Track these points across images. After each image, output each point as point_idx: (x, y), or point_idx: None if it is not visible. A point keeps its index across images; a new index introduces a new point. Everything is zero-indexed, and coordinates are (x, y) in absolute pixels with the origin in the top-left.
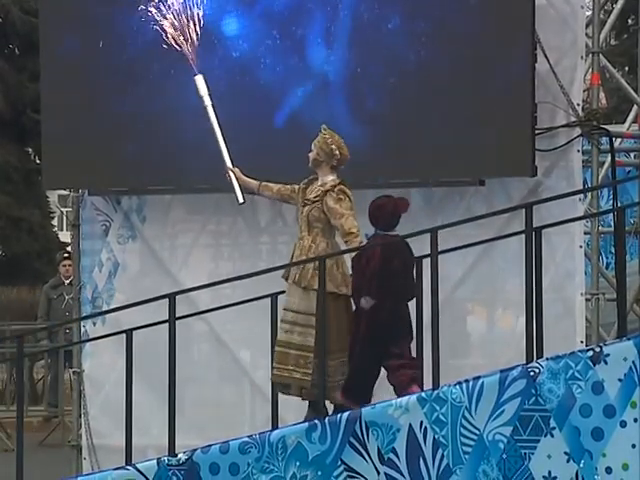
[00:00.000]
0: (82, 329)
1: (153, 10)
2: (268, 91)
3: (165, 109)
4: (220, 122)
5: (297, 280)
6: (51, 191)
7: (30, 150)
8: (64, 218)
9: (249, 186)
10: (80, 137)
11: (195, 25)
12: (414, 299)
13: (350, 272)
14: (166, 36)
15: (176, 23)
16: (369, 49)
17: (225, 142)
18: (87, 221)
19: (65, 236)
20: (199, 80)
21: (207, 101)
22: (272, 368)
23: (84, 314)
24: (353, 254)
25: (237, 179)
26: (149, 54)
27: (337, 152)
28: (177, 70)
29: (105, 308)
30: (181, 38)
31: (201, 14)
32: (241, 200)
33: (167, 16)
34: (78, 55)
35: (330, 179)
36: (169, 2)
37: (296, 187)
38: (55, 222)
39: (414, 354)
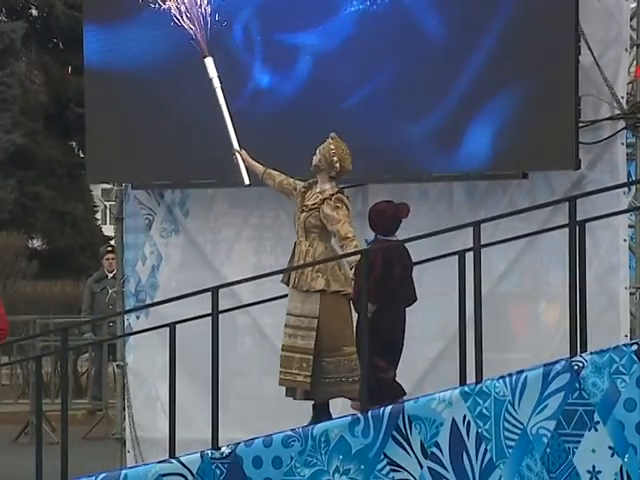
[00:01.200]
0: (126, 322)
1: None
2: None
3: (208, 103)
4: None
5: (297, 284)
6: (95, 185)
7: (74, 144)
8: (107, 212)
9: (255, 170)
10: (123, 131)
11: (204, 8)
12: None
13: (352, 276)
14: (177, 19)
15: (186, 6)
16: (414, 44)
17: (233, 124)
18: (130, 215)
19: (108, 230)
20: (209, 62)
21: (216, 83)
22: (279, 372)
23: (127, 307)
24: (355, 260)
25: (244, 161)
26: (194, 48)
27: (337, 165)
28: (220, 64)
29: (148, 301)
30: (191, 21)
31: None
32: (247, 182)
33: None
34: (121, 49)
35: (328, 187)
36: None
37: (298, 186)
38: (99, 216)
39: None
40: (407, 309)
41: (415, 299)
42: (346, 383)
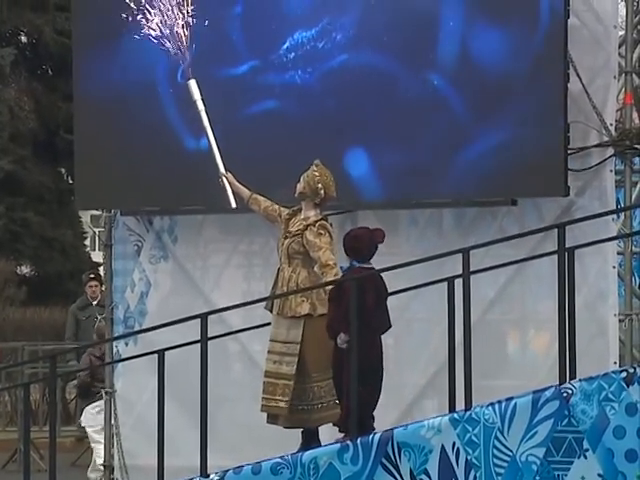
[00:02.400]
0: (114, 349)
1: (149, 18)
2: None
3: (196, 130)
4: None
5: (282, 311)
6: (84, 211)
7: (63, 171)
8: (96, 238)
9: (241, 194)
10: (112, 158)
11: (188, 31)
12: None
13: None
14: (162, 43)
15: (171, 30)
16: (400, 71)
17: (218, 147)
18: (119, 241)
19: (97, 256)
20: (192, 85)
21: (200, 106)
22: (262, 399)
23: (116, 334)
24: (329, 288)
25: (230, 185)
26: (181, 74)
27: (322, 192)
28: (206, 90)
29: (137, 328)
30: (176, 44)
31: (191, 21)
32: (233, 205)
33: (162, 24)
34: (110, 76)
35: (312, 214)
36: (163, 11)
37: (282, 213)
38: (87, 242)
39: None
40: (395, 336)
41: (389, 326)
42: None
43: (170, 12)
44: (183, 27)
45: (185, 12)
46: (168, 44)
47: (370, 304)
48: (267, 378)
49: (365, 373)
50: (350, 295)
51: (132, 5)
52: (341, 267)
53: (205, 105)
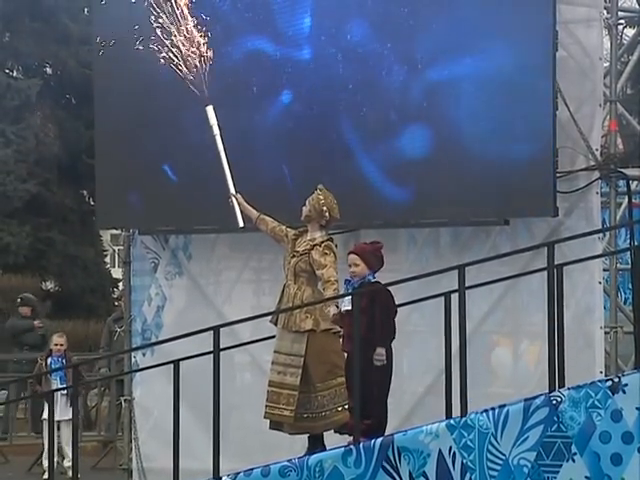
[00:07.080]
0: (132, 359)
1: (165, 49)
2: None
3: (210, 153)
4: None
5: (286, 325)
6: (104, 231)
7: (85, 193)
8: (116, 256)
9: (249, 214)
10: (130, 180)
11: (205, 59)
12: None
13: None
14: (179, 72)
15: (188, 59)
16: (395, 96)
17: (230, 169)
18: (137, 258)
19: (117, 272)
20: (209, 111)
21: (216, 130)
22: (265, 406)
23: (134, 345)
24: (335, 302)
25: (239, 205)
26: (197, 102)
27: (327, 214)
28: (221, 119)
29: (154, 340)
30: (193, 72)
31: (210, 52)
32: (241, 224)
33: (178, 54)
34: (128, 105)
35: (318, 235)
36: (180, 41)
37: (289, 233)
38: (108, 259)
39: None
40: (395, 347)
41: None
42: (342, 411)
43: (186, 41)
44: (200, 55)
45: (202, 40)
46: (185, 73)
47: (394, 317)
48: (271, 387)
49: (389, 380)
50: (387, 309)
51: (148, 36)
52: (347, 280)
53: (220, 130)
